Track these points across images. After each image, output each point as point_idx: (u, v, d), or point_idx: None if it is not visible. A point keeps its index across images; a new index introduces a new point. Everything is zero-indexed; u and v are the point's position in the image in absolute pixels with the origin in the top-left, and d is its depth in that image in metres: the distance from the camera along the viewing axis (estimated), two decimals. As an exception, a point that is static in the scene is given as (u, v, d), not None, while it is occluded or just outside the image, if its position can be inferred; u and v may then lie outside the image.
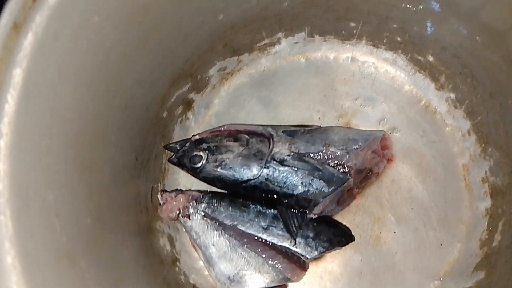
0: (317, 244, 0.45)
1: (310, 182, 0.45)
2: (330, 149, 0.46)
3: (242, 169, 0.46)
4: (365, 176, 0.48)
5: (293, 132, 0.48)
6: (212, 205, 0.47)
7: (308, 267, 0.46)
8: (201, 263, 0.49)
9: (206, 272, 0.49)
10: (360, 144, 0.47)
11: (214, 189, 0.49)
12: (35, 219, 0.26)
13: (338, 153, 0.46)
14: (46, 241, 0.26)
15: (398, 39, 0.49)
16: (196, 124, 0.53)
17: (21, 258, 0.24)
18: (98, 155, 0.36)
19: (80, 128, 0.33)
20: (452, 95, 0.49)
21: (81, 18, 0.30)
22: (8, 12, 0.26)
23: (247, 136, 0.48)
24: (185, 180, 0.52)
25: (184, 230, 0.48)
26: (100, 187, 0.36)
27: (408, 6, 0.44)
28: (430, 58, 0.48)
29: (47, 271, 0.26)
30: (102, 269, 0.33)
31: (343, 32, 0.51)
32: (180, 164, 0.48)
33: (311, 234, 0.46)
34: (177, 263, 0.48)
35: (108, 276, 0.33)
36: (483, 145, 0.48)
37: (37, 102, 0.28)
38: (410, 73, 0.51)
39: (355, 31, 0.50)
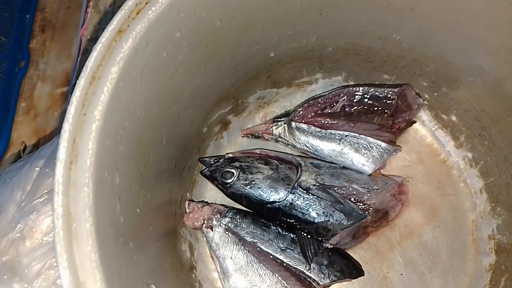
0: (330, 272, 0.48)
1: (331, 213, 0.48)
2: (353, 186, 0.50)
3: (269, 191, 0.49)
4: (381, 216, 0.51)
5: (320, 165, 0.52)
6: (235, 220, 0.50)
7: (317, 294, 0.49)
8: (216, 274, 0.51)
9: (219, 284, 0.51)
10: (380, 185, 0.51)
11: (238, 206, 0.52)
12: (105, 196, 0.29)
13: (360, 190, 0.49)
14: (111, 217, 0.30)
15: (426, 96, 0.53)
16: (229, 144, 0.57)
17: (96, 226, 0.27)
18: (151, 153, 0.40)
19: (144, 126, 0.37)
20: (469, 154, 0.53)
21: (167, 32, 0.35)
22: (117, 19, 0.30)
23: (277, 162, 0.52)
24: (210, 194, 0.55)
25: (204, 240, 0.50)
26: (148, 182, 0.39)
27: (441, 69, 0.49)
28: (453, 118, 0.53)
29: (110, 243, 0.29)
30: (141, 257, 0.35)
31: (376, 82, 0.56)
32: (211, 178, 0.52)
33: (325, 262, 0.48)
34: (194, 270, 0.51)
35: (145, 264, 0.36)
36: (493, 204, 0.51)
37: (122, 98, 0.31)
38: (433, 128, 0.55)
39: (387, 83, 0.55)
